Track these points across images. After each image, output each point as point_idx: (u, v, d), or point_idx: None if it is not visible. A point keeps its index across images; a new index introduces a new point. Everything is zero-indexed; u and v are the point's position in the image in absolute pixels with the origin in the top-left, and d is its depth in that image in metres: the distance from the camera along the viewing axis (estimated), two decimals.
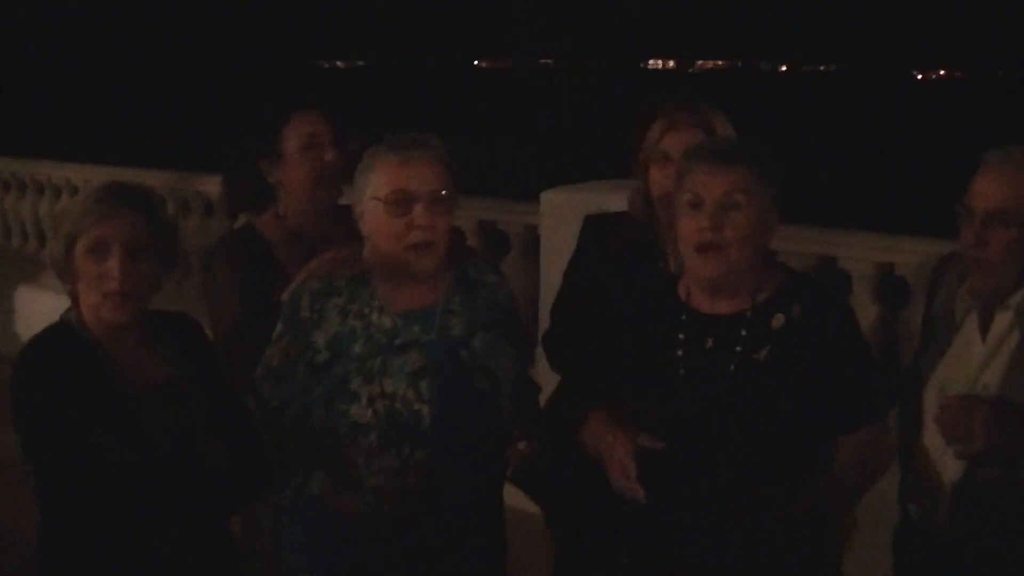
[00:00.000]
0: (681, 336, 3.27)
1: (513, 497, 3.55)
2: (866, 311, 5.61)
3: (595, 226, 4.02)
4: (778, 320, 3.22)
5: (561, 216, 6.23)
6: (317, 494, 3.32)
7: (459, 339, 3.36)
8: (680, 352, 3.26)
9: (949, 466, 3.22)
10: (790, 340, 3.19)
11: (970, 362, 3.23)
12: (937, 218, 4.15)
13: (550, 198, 6.51)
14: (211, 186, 8.46)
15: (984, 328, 3.23)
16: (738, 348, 3.21)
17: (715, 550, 3.14)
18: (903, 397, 3.42)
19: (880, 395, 3.32)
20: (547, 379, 3.80)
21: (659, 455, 3.17)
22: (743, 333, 3.22)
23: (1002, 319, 3.20)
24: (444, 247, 3.34)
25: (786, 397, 3.15)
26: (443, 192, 3.30)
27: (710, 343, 3.24)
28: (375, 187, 3.30)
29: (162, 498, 3.05)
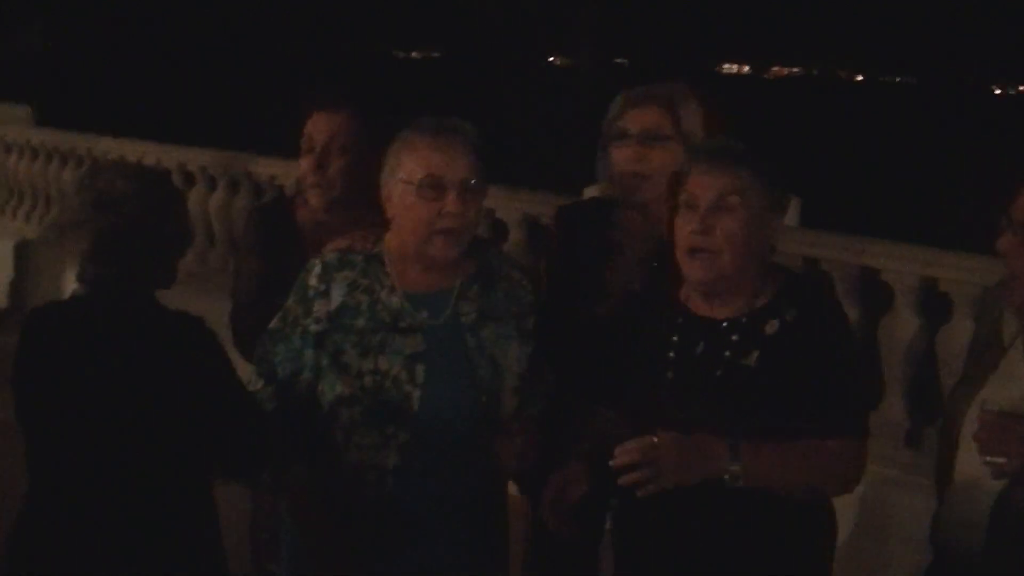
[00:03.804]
0: (675, 339, 3.24)
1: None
2: (907, 324, 5.51)
3: (568, 214, 3.99)
4: (772, 326, 3.18)
5: None
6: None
7: (468, 326, 3.35)
8: (672, 355, 3.23)
9: (987, 488, 3.12)
10: (781, 346, 3.15)
11: (1014, 383, 3.14)
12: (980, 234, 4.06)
13: (589, 193, 6.42)
14: (261, 167, 8.44)
15: None
16: (727, 353, 3.17)
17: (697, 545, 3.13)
18: (944, 421, 3.34)
19: (861, 409, 3.29)
20: None
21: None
22: (734, 338, 3.18)
23: None
24: (470, 235, 3.34)
25: (770, 403, 3.11)
26: (474, 180, 3.29)
27: (701, 347, 3.20)
28: (407, 170, 3.29)
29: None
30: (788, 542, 3.18)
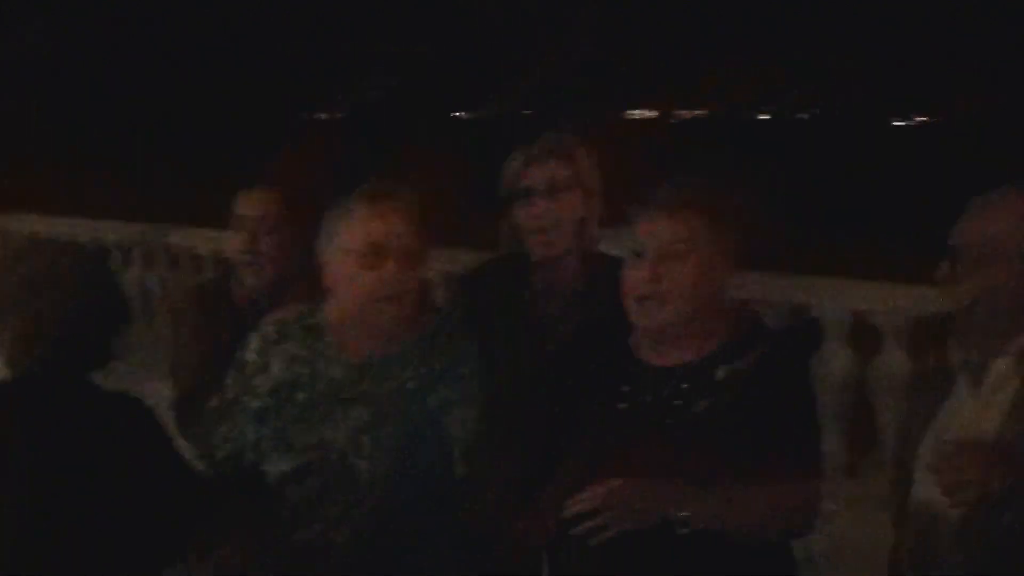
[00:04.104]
0: (625, 389, 3.20)
1: None
2: (838, 358, 5.55)
3: (477, 275, 3.96)
4: (722, 371, 3.15)
5: None
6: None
7: (413, 392, 3.29)
8: (623, 405, 3.19)
9: (948, 518, 3.12)
10: (732, 392, 3.12)
11: (966, 409, 3.15)
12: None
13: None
14: (178, 238, 8.35)
15: (979, 376, 3.15)
16: (677, 402, 3.14)
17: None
18: (897, 452, 3.34)
19: (815, 452, 3.24)
20: None
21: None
22: (684, 386, 3.15)
23: (999, 365, 3.11)
24: (412, 301, 3.29)
25: (723, 449, 3.07)
26: (414, 245, 3.26)
27: (651, 396, 3.17)
28: (346, 238, 3.25)
29: None
30: None
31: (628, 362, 3.24)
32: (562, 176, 3.69)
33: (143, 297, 8.48)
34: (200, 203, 7.71)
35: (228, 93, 34.61)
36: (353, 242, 3.22)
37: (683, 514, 3.03)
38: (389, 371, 3.29)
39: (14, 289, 3.03)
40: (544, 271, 3.73)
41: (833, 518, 5.21)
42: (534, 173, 3.69)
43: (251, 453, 3.27)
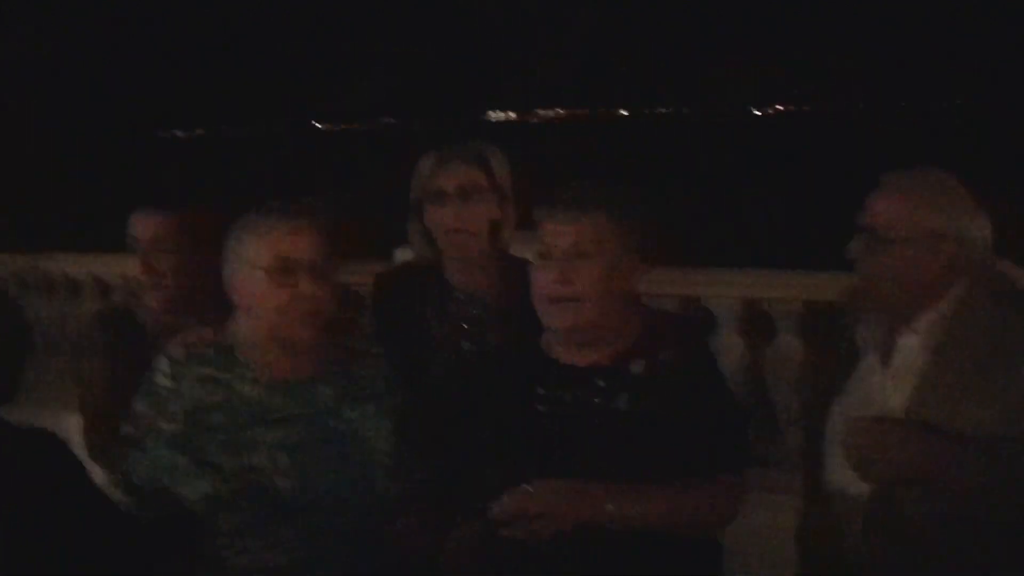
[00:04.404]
0: (541, 391, 3.21)
1: None
2: (733, 347, 5.60)
3: (388, 282, 3.93)
4: (637, 366, 3.18)
5: None
6: None
7: (331, 409, 3.25)
8: (541, 407, 3.20)
9: (859, 494, 3.18)
10: (651, 387, 3.15)
11: (873, 387, 3.21)
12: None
13: (403, 255, 6.37)
14: (54, 264, 8.17)
15: (887, 354, 3.21)
16: (596, 400, 3.15)
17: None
18: (805, 433, 3.39)
19: (741, 445, 3.29)
20: None
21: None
22: (600, 383, 3.16)
23: (906, 343, 3.18)
24: (326, 315, 3.24)
25: (646, 445, 3.10)
26: (325, 259, 3.21)
27: (570, 396, 3.18)
28: (254, 255, 3.19)
29: None
30: None
31: (542, 363, 3.25)
32: (474, 180, 3.69)
33: (44, 326, 8.31)
34: (91, 227, 7.54)
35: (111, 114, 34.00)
36: (262, 259, 3.17)
37: (608, 509, 3.05)
38: (306, 389, 3.25)
39: None
40: (455, 275, 3.73)
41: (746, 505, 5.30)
42: (446, 176, 3.69)
43: (168, 479, 3.19)
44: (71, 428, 3.75)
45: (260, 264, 3.17)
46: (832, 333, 3.44)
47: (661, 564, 3.13)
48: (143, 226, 3.91)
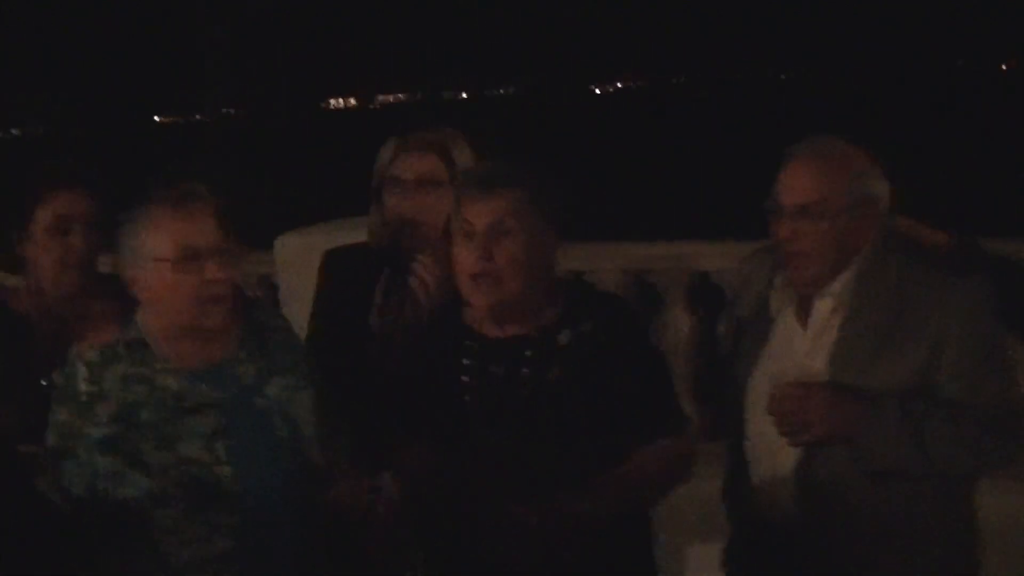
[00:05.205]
0: (466, 362, 3.23)
1: None
2: (679, 321, 5.61)
3: (338, 259, 3.92)
4: (564, 336, 3.20)
5: (299, 259, 6.04)
6: None
7: (253, 388, 3.23)
8: (466, 379, 3.21)
9: (786, 458, 3.23)
10: (579, 356, 3.18)
11: (794, 352, 3.27)
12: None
13: (285, 242, 6.31)
14: None
15: (804, 317, 3.25)
16: (525, 370, 3.17)
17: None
18: (728, 398, 3.42)
19: (678, 404, 3.31)
20: None
21: (458, 483, 3.12)
22: (528, 354, 3.18)
23: (822, 306, 3.24)
24: (232, 299, 3.21)
25: (581, 414, 3.12)
26: (227, 242, 3.17)
27: (498, 368, 3.20)
28: (156, 247, 3.12)
29: None
30: (609, 560, 3.16)
31: (467, 336, 3.26)
32: (433, 170, 3.67)
33: None
34: None
35: None
36: (164, 249, 3.11)
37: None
38: (227, 372, 3.21)
39: None
40: (409, 260, 3.69)
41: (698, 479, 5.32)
42: (405, 164, 3.67)
43: (104, 483, 3.12)
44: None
45: (164, 256, 3.11)
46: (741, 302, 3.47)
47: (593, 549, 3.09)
48: (52, 203, 3.71)
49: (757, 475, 3.34)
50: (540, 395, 3.15)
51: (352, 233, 4.57)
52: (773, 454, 3.27)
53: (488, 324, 3.25)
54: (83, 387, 3.16)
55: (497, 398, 3.17)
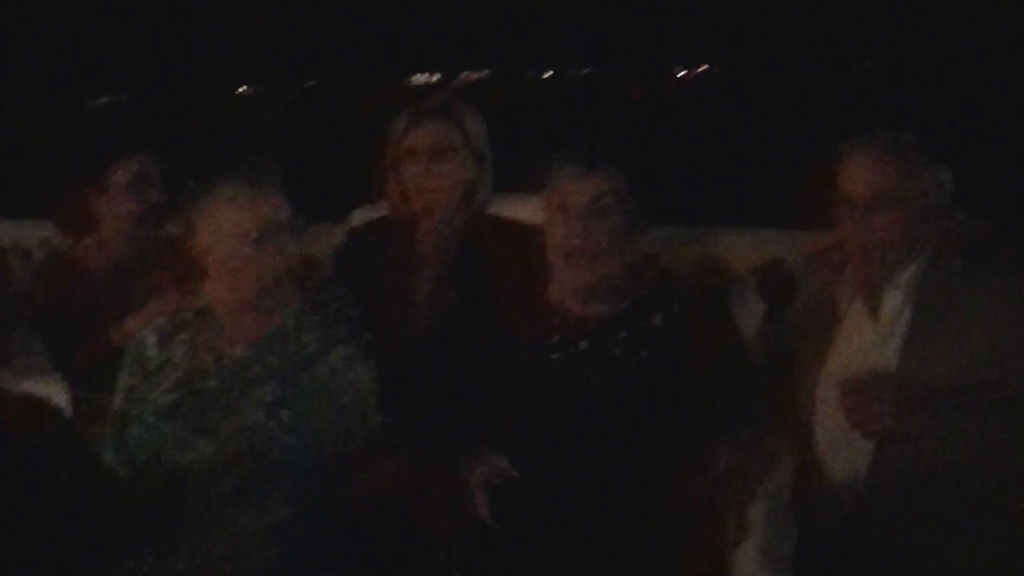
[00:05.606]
0: (556, 339, 3.22)
1: None
2: (752, 310, 5.56)
3: (361, 236, 3.92)
4: (657, 318, 3.21)
5: None
6: None
7: (316, 355, 3.24)
8: (555, 356, 3.21)
9: (855, 454, 3.20)
10: (670, 338, 3.19)
11: (865, 346, 3.24)
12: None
13: (358, 216, 6.31)
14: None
15: (873, 311, 3.25)
16: (617, 351, 3.17)
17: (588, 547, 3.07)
18: (796, 399, 3.40)
19: (760, 397, 3.31)
20: None
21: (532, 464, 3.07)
22: (621, 335, 3.19)
23: (892, 298, 3.21)
24: (300, 270, 3.27)
25: (668, 396, 3.12)
26: (296, 216, 3.22)
27: (585, 345, 3.19)
28: (235, 225, 3.16)
29: None
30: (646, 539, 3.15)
31: (554, 313, 3.25)
32: (447, 137, 3.69)
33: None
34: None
35: None
36: (246, 227, 3.15)
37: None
38: (289, 341, 3.24)
39: None
40: (428, 232, 3.71)
41: None
42: (418, 134, 3.68)
43: (165, 448, 3.16)
44: (58, 395, 3.72)
45: (248, 234, 3.16)
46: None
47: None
48: (131, 161, 3.90)
49: (822, 477, 3.29)
50: (633, 374, 3.15)
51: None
52: (843, 451, 3.22)
53: (572, 302, 3.24)
54: (151, 353, 3.24)
55: (583, 375, 3.17)
